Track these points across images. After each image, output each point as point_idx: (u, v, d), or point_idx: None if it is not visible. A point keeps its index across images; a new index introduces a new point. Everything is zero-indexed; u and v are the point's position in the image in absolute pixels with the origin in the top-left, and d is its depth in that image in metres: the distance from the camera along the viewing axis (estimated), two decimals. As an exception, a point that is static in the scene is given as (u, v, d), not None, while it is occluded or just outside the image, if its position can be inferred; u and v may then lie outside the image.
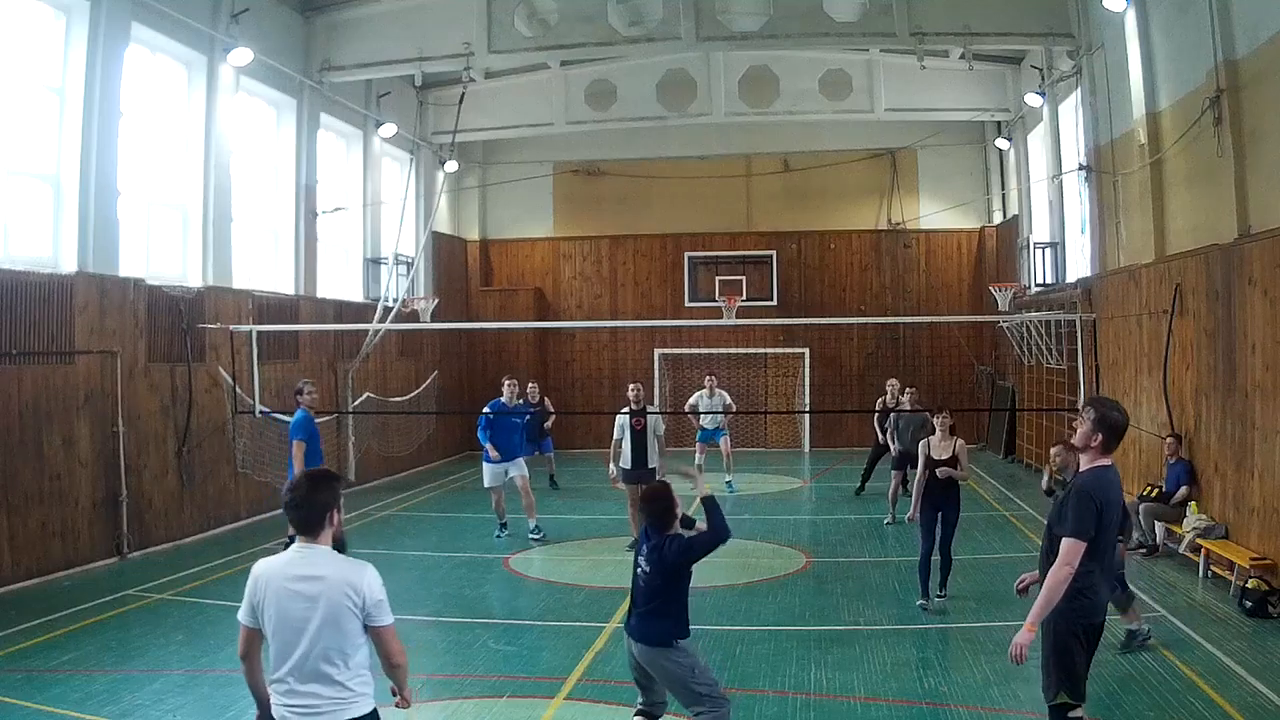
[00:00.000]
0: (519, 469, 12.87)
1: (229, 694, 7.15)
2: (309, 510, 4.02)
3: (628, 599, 5.91)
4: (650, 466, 11.61)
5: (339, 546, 4.12)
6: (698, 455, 16.46)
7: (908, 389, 15.20)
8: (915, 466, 9.81)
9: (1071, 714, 4.91)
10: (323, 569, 3.95)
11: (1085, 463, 5.01)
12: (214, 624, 8.98)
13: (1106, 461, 4.95)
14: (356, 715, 3.95)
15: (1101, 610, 5.00)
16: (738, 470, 17.32)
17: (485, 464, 12.89)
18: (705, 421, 16.73)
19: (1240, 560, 9.40)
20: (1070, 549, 4.78)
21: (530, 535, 12.76)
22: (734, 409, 17.26)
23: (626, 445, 11.69)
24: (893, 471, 14.00)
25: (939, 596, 9.48)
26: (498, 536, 12.86)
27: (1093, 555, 4.83)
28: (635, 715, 5.86)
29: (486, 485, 12.98)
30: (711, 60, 20.05)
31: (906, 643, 8.15)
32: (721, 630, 8.74)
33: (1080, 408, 5.20)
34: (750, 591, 10.29)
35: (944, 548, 9.44)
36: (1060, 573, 4.78)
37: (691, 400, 16.97)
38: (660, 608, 5.58)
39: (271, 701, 3.98)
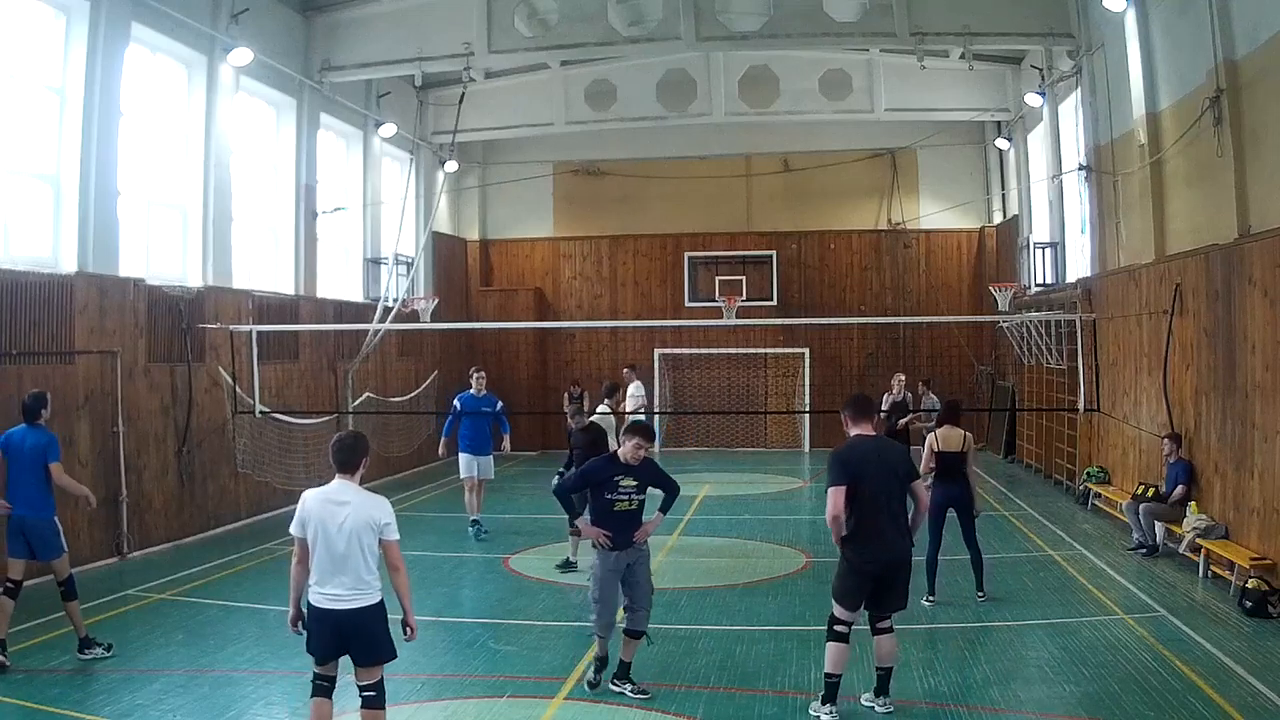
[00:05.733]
0: (486, 470, 13.36)
1: (229, 694, 7.16)
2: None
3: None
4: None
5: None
6: None
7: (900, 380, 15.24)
8: None
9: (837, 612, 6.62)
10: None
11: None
12: (214, 624, 8.98)
13: (855, 432, 6.71)
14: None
15: (874, 556, 6.52)
16: (742, 469, 17.33)
17: (460, 454, 13.30)
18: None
19: (1240, 560, 9.40)
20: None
21: (470, 529, 13.22)
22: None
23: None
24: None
25: (978, 596, 9.48)
26: (480, 538, 12.99)
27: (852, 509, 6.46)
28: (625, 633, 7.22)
29: (461, 476, 13.40)
30: (711, 60, 20.04)
31: (906, 643, 8.12)
32: (721, 630, 8.75)
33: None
34: (750, 591, 10.29)
35: (969, 544, 9.53)
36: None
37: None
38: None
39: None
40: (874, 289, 23.07)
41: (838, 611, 6.60)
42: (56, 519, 8.17)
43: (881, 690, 6.63)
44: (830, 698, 6.57)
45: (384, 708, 5.62)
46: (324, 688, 5.60)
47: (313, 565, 5.51)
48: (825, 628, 6.70)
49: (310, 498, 5.60)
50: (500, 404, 13.69)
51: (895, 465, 6.62)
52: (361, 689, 5.57)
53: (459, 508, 14.75)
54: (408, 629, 5.66)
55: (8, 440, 8.14)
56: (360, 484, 5.65)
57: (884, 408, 15.58)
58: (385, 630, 5.56)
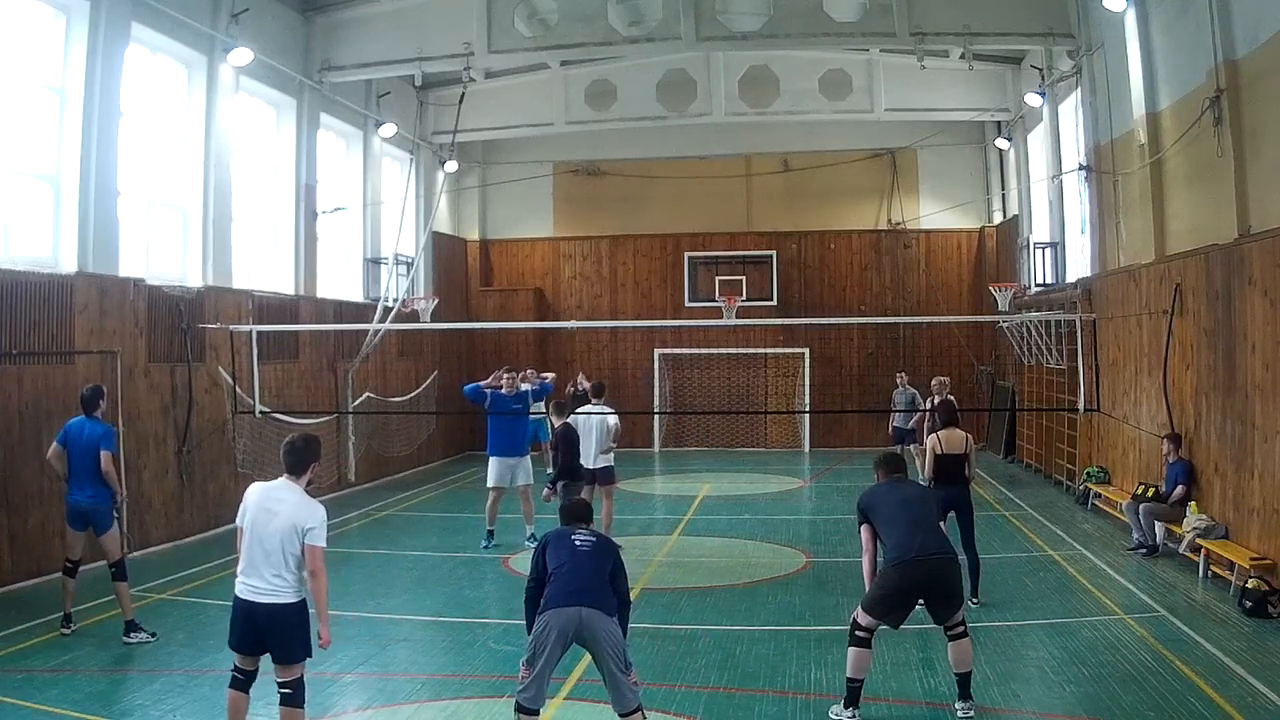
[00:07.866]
0: (525, 475, 12.49)
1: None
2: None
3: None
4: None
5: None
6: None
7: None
8: None
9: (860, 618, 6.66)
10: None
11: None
12: (214, 624, 8.94)
13: (883, 480, 7.17)
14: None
15: (899, 564, 6.63)
16: (740, 469, 17.31)
17: (491, 458, 12.46)
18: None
19: (1240, 560, 9.40)
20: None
21: (526, 542, 12.40)
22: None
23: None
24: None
25: (973, 602, 9.06)
26: (485, 547, 12.34)
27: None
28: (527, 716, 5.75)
29: (490, 484, 12.42)
30: (711, 60, 20.05)
31: (907, 643, 8.14)
32: (721, 630, 8.75)
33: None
34: (750, 591, 10.29)
35: (967, 548, 9.20)
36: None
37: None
38: (605, 580, 5.97)
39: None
40: (874, 289, 23.07)
41: (859, 617, 6.69)
42: (112, 504, 8.77)
43: (962, 695, 6.60)
44: (852, 701, 6.56)
45: (301, 706, 5.70)
46: (241, 681, 5.78)
47: (241, 554, 5.67)
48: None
49: (254, 490, 5.81)
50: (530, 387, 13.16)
51: (913, 492, 7.11)
52: (279, 685, 5.65)
53: (459, 508, 14.77)
54: (319, 637, 5.66)
55: (67, 432, 8.72)
56: (308, 488, 5.76)
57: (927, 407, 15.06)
58: (302, 630, 5.62)
